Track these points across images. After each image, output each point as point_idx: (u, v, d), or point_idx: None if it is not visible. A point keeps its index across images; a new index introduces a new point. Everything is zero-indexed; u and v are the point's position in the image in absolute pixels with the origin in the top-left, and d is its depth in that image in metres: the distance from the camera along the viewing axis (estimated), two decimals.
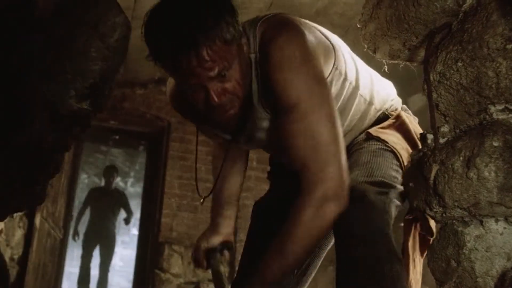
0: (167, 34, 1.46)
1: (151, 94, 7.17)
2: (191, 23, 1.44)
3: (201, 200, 2.08)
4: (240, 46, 1.60)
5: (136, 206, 10.45)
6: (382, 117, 1.92)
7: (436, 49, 1.62)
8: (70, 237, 8.76)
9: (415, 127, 1.89)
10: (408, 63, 1.91)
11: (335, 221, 1.58)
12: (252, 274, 1.62)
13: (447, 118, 1.60)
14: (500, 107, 1.43)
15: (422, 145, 1.68)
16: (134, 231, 10.19)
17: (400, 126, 1.83)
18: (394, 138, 1.79)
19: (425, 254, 1.77)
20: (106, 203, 9.22)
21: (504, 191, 1.37)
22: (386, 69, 1.99)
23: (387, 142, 1.76)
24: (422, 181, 1.59)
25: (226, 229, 2.18)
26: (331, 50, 1.75)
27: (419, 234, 1.77)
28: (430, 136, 1.64)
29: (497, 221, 1.43)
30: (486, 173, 1.39)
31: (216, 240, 2.15)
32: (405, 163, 1.74)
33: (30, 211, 4.75)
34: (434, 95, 1.60)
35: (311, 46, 1.64)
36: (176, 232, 6.80)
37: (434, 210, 1.56)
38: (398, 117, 1.88)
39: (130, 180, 13.44)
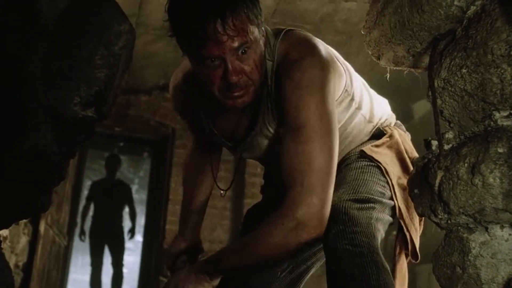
0: (196, 2, 1.54)
1: (155, 101, 7.19)
2: None
3: (222, 193, 2.11)
4: (262, 40, 1.66)
5: (140, 213, 10.37)
6: (377, 133, 1.95)
7: (440, 55, 1.62)
8: (74, 243, 8.61)
9: (407, 145, 1.91)
10: (412, 69, 1.91)
11: (322, 237, 1.63)
12: (213, 256, 1.75)
13: (451, 125, 1.60)
14: (504, 114, 1.43)
15: (426, 152, 1.68)
16: (139, 237, 10.02)
17: (393, 146, 1.86)
18: (386, 158, 1.82)
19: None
20: (110, 196, 8.76)
21: (509, 198, 1.36)
22: (387, 77, 2.00)
23: (378, 161, 1.78)
24: (427, 188, 1.59)
25: (192, 237, 2.28)
26: (343, 73, 1.78)
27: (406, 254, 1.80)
28: (434, 143, 1.64)
29: (502, 227, 1.43)
30: (491, 180, 1.39)
31: (182, 246, 2.22)
32: (393, 181, 1.76)
33: (34, 218, 4.75)
34: (439, 102, 1.60)
35: (331, 72, 1.70)
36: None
37: (439, 216, 1.56)
38: (391, 136, 1.90)
39: (135, 187, 13.45)
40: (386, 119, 2.01)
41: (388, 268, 1.58)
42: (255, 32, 1.60)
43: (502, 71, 1.39)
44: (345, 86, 1.81)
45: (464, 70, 1.49)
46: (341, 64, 1.83)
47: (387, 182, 1.77)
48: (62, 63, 1.34)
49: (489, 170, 1.39)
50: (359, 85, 1.93)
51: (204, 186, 2.27)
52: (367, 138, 1.96)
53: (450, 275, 1.52)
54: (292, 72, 1.63)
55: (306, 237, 1.60)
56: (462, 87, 1.50)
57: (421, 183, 1.64)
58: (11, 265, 4.38)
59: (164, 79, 6.89)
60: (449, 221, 1.54)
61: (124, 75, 1.67)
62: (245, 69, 1.59)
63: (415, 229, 1.78)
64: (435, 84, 1.60)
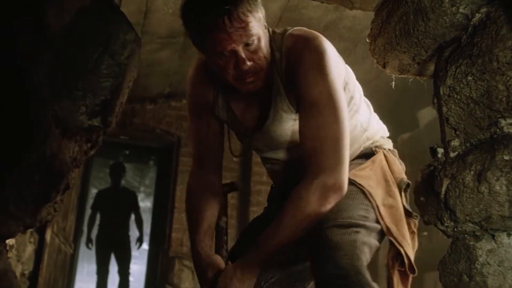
0: (205, 1, 1.71)
1: (161, 109, 7.19)
2: None
3: (235, 158, 2.17)
4: (265, 34, 1.81)
5: (146, 221, 10.35)
6: (367, 153, 1.97)
7: (445, 63, 1.62)
8: (80, 252, 8.58)
9: (396, 167, 1.94)
10: (417, 77, 1.92)
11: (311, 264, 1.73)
12: (252, 244, 1.82)
13: (457, 132, 1.60)
14: (510, 121, 1.43)
15: (432, 159, 1.68)
16: (145, 246, 9.99)
17: (377, 167, 1.90)
18: (370, 181, 1.86)
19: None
20: (116, 205, 8.73)
21: None
22: (393, 85, 2.01)
23: (361, 185, 1.82)
24: (433, 196, 1.58)
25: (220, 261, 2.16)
26: (342, 63, 1.85)
27: (400, 270, 1.80)
28: (440, 150, 1.64)
29: (509, 235, 1.43)
30: (498, 187, 1.39)
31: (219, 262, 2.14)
32: (378, 203, 1.79)
33: (40, 226, 4.75)
34: (444, 109, 1.60)
35: (336, 58, 1.83)
36: (186, 247, 6.78)
37: (446, 224, 1.55)
38: (376, 158, 1.93)
39: (140, 195, 13.45)
40: (381, 138, 2.04)
41: (376, 287, 1.59)
42: (261, 29, 1.77)
43: (508, 78, 1.39)
44: (344, 77, 1.89)
45: (469, 78, 1.49)
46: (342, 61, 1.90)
47: (372, 206, 1.80)
48: (68, 73, 1.34)
49: (495, 178, 1.39)
50: (359, 91, 1.99)
51: (212, 209, 2.24)
52: (358, 151, 1.98)
53: (457, 283, 1.51)
54: (303, 56, 1.78)
55: (332, 199, 1.72)
56: (467, 94, 1.50)
57: (427, 190, 1.64)
58: (17, 274, 4.38)
59: (169, 87, 6.91)
60: (455, 229, 1.54)
61: (130, 84, 1.68)
62: (254, 57, 1.74)
63: (408, 244, 1.79)
64: (441, 91, 1.60)
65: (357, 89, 1.97)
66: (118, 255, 8.55)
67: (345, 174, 1.72)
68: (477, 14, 1.55)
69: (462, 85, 1.52)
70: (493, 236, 1.45)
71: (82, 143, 1.47)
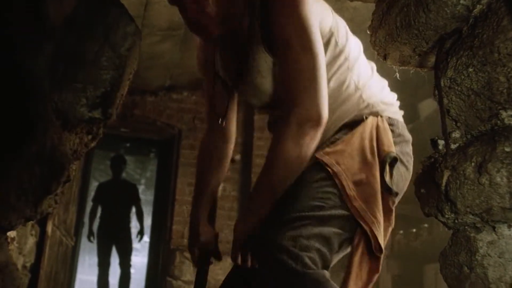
0: None
1: (161, 102, 7.20)
2: None
3: (221, 121, 2.13)
4: None
5: (147, 214, 10.37)
6: (357, 120, 1.89)
7: (446, 54, 1.62)
8: (81, 245, 8.59)
9: (385, 137, 1.84)
10: (418, 69, 1.91)
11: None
12: (246, 201, 1.80)
13: (458, 124, 1.60)
14: (511, 112, 1.43)
15: (433, 151, 1.68)
16: (146, 238, 9.99)
17: (356, 138, 1.83)
18: (339, 157, 1.79)
19: (375, 276, 1.76)
20: (117, 197, 8.74)
21: None
22: (398, 76, 1.99)
23: (326, 164, 1.77)
24: (434, 187, 1.58)
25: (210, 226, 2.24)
26: (328, 9, 1.87)
27: (367, 253, 1.76)
28: (441, 142, 1.64)
29: (509, 226, 1.43)
30: (498, 179, 1.39)
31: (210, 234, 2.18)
32: (344, 182, 1.74)
33: (41, 219, 4.76)
34: (445, 101, 1.59)
35: (316, 2, 1.80)
36: (187, 239, 6.80)
37: (446, 216, 1.55)
38: (356, 131, 1.86)
39: (141, 188, 13.47)
40: (380, 102, 1.91)
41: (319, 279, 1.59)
42: None
43: (509, 70, 1.39)
44: (330, 26, 1.84)
45: (470, 69, 1.49)
46: (331, 13, 1.90)
47: (337, 188, 1.75)
48: (68, 65, 1.34)
49: (496, 169, 1.39)
50: (356, 50, 1.92)
51: (220, 173, 2.26)
52: (352, 115, 1.90)
53: (458, 274, 1.52)
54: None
55: (313, 132, 1.69)
56: (468, 86, 1.50)
57: (428, 182, 1.64)
58: (19, 266, 4.39)
59: (170, 80, 6.90)
60: (456, 221, 1.54)
61: (130, 76, 1.68)
62: (200, 5, 1.74)
63: (378, 222, 1.72)
64: (442, 83, 1.60)
65: (353, 46, 1.91)
66: (119, 248, 8.58)
67: (322, 104, 1.69)
68: (478, 6, 1.54)
69: (463, 77, 1.51)
70: (493, 227, 1.45)
71: (83, 135, 1.47)
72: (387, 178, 1.74)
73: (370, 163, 1.76)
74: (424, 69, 1.88)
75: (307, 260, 1.61)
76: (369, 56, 1.96)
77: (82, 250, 9.71)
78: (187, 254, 6.68)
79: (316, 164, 1.77)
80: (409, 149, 1.88)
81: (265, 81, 1.87)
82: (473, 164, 1.45)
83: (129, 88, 1.94)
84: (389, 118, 1.89)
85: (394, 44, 1.84)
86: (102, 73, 1.43)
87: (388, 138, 1.80)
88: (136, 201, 8.89)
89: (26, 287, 4.68)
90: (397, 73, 1.99)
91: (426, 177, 1.64)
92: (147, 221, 9.94)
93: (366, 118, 1.84)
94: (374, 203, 1.70)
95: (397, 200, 1.81)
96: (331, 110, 1.80)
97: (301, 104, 1.67)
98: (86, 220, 8.67)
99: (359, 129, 1.82)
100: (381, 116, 1.86)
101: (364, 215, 1.69)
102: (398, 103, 1.99)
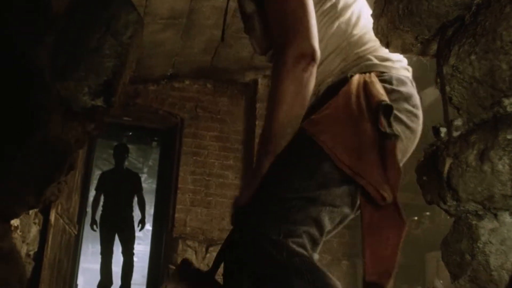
0: None
1: (163, 90, 7.20)
2: None
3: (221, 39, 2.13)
4: None
5: (149, 202, 10.39)
6: (344, 78, 1.80)
7: (449, 42, 1.61)
8: (84, 233, 8.61)
9: (372, 90, 1.70)
10: (420, 56, 1.91)
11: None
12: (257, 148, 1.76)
13: (460, 112, 1.60)
14: None
15: (435, 139, 1.68)
16: (148, 226, 10.01)
17: (341, 99, 1.76)
18: (325, 126, 1.70)
19: (403, 233, 1.61)
20: (120, 186, 8.64)
21: None
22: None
23: (313, 134, 1.67)
24: (436, 175, 1.59)
25: None
26: None
27: (376, 209, 1.65)
28: (443, 130, 1.64)
29: (511, 214, 1.43)
30: (500, 166, 1.39)
31: None
32: (335, 149, 1.66)
33: (45, 207, 4.78)
34: (447, 89, 1.59)
35: None
36: (190, 227, 6.83)
37: (448, 203, 1.56)
38: (340, 93, 1.78)
39: (144, 176, 13.49)
40: (373, 56, 1.85)
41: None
42: None
43: (511, 57, 1.39)
44: None
45: (473, 57, 1.49)
46: None
47: (327, 156, 1.67)
48: (70, 54, 1.34)
49: (498, 157, 1.39)
50: (356, 9, 1.94)
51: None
52: (337, 68, 1.85)
53: (459, 262, 1.52)
54: None
55: (309, 67, 1.70)
56: (470, 74, 1.50)
57: (430, 170, 1.64)
58: (23, 254, 4.41)
59: (172, 68, 6.90)
60: (458, 208, 1.54)
61: (133, 64, 1.68)
62: None
63: (376, 174, 1.62)
64: (444, 71, 1.60)
65: (352, 7, 1.92)
66: (122, 236, 8.61)
67: (313, 39, 1.71)
68: None
69: (465, 65, 1.51)
70: (495, 215, 1.46)
71: (86, 124, 1.47)
72: (382, 126, 1.62)
73: (358, 119, 1.66)
74: (427, 57, 1.88)
75: (293, 246, 1.57)
76: None
77: (85, 239, 9.74)
78: (189, 242, 6.71)
79: (303, 135, 1.70)
80: (410, 106, 1.79)
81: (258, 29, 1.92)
82: (475, 151, 1.45)
83: (131, 77, 1.94)
84: (381, 73, 1.81)
85: (396, 32, 1.83)
86: (104, 62, 1.43)
87: (376, 89, 1.71)
88: (139, 190, 8.90)
89: (29, 275, 4.71)
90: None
91: (428, 164, 1.64)
92: (150, 210, 9.96)
93: (351, 76, 1.77)
94: (369, 153, 1.61)
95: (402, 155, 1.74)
96: (324, 57, 1.81)
97: (293, 42, 1.69)
98: (89, 209, 8.70)
99: (344, 90, 1.73)
100: (370, 72, 1.79)
101: (358, 171, 1.60)
102: (400, 59, 1.91)
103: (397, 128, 1.69)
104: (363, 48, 1.85)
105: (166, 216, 7.26)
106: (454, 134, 1.59)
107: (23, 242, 4.37)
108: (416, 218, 5.83)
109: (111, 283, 8.48)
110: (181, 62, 6.71)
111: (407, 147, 1.79)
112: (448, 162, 1.54)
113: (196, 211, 6.83)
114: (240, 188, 1.83)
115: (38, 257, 4.94)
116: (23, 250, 4.47)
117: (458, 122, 1.59)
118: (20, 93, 1.23)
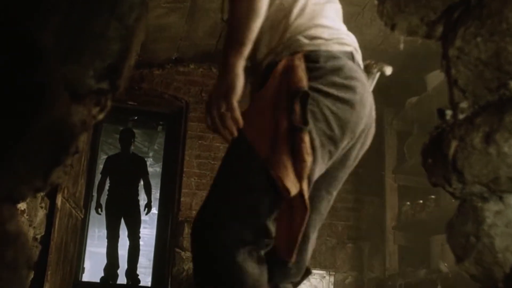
0: None
1: (168, 75, 7.19)
2: None
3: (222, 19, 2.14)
4: None
5: (155, 186, 10.42)
6: (274, 62, 1.84)
7: (454, 24, 1.61)
8: (91, 217, 8.66)
9: (293, 77, 1.75)
10: (426, 39, 1.90)
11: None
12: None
13: (466, 94, 1.59)
14: None
15: (440, 121, 1.68)
16: (154, 210, 10.04)
17: (266, 91, 1.79)
18: (251, 117, 1.76)
19: (304, 215, 1.72)
20: (126, 170, 8.67)
21: None
22: (401, 47, 1.98)
23: (244, 133, 1.74)
24: (441, 158, 1.59)
25: None
26: None
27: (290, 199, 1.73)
28: (449, 112, 1.63)
29: None
30: (506, 149, 1.39)
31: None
32: (258, 137, 1.72)
33: (51, 191, 4.80)
34: (453, 71, 1.59)
35: None
36: (195, 211, 6.82)
37: (454, 186, 1.56)
38: (267, 84, 1.81)
39: (149, 160, 13.52)
40: (303, 37, 1.85)
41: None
42: None
43: None
44: None
45: (478, 39, 1.48)
46: None
47: (255, 154, 1.72)
48: (75, 37, 1.34)
49: (503, 139, 1.39)
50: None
51: None
52: (271, 54, 1.87)
53: (464, 244, 1.53)
54: None
55: None
56: (476, 56, 1.50)
57: (435, 152, 1.64)
58: (30, 238, 4.45)
59: (177, 52, 6.88)
60: (463, 191, 1.54)
61: (138, 48, 1.68)
62: None
63: (284, 166, 1.67)
64: (449, 53, 1.59)
65: None
66: (128, 220, 8.65)
67: None
68: None
69: (471, 47, 1.51)
70: (500, 197, 1.46)
71: (91, 107, 1.47)
72: (295, 116, 1.69)
73: (277, 110, 1.73)
74: (432, 39, 1.87)
75: (227, 240, 1.63)
76: (376, 28, 1.95)
77: (92, 223, 9.79)
78: None
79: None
80: (341, 78, 1.81)
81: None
82: (480, 134, 1.45)
83: (136, 62, 1.93)
84: (310, 51, 1.83)
85: (402, 14, 1.83)
86: (109, 45, 1.44)
87: (296, 75, 1.75)
88: (145, 175, 8.93)
89: (37, 258, 4.74)
90: (401, 44, 1.98)
91: (433, 147, 1.64)
92: (156, 194, 9.99)
93: (280, 61, 1.81)
94: (280, 148, 1.68)
95: (348, 140, 1.82)
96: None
97: None
98: (95, 194, 8.72)
99: (270, 80, 1.78)
100: (297, 53, 1.81)
101: (270, 162, 1.66)
102: (338, 36, 1.92)
103: (325, 102, 1.75)
104: (299, 27, 1.87)
105: (171, 200, 7.28)
106: (460, 117, 1.59)
107: (30, 226, 4.40)
108: (421, 201, 5.83)
109: (117, 266, 8.53)
110: (186, 46, 6.70)
111: (346, 117, 1.81)
112: (454, 144, 1.54)
113: (201, 195, 6.84)
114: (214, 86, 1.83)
115: (45, 240, 4.98)
116: (30, 234, 4.50)
117: (463, 104, 1.59)
118: (25, 75, 1.24)
